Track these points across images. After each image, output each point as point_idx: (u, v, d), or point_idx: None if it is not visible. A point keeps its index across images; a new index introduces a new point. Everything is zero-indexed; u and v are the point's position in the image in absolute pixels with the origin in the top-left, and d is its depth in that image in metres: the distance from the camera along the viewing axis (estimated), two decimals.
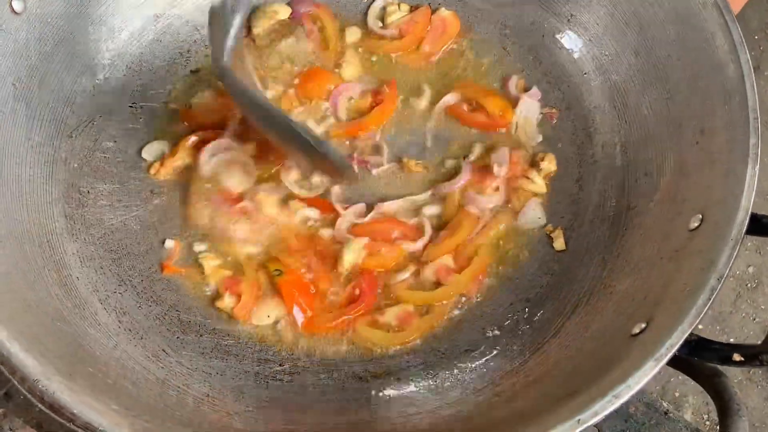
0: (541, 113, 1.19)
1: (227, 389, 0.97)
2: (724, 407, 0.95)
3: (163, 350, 0.99)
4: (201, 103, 1.17)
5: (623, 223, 1.08)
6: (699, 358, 0.88)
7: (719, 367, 0.98)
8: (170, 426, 0.83)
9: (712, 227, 0.92)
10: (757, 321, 2.38)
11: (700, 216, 0.94)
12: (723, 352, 0.88)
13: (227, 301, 1.04)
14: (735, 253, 0.87)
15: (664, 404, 1.07)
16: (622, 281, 1.01)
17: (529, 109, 1.18)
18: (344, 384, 1.00)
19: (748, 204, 0.89)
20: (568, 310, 1.03)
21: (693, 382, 0.96)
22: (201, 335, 1.02)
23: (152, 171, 1.12)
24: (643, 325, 0.88)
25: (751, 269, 2.44)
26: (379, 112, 1.18)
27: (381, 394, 0.99)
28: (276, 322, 1.04)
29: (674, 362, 0.85)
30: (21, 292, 0.90)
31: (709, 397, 0.93)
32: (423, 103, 1.20)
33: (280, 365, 1.01)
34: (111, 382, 0.88)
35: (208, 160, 1.10)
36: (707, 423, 2.24)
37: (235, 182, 1.09)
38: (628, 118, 1.14)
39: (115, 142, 1.14)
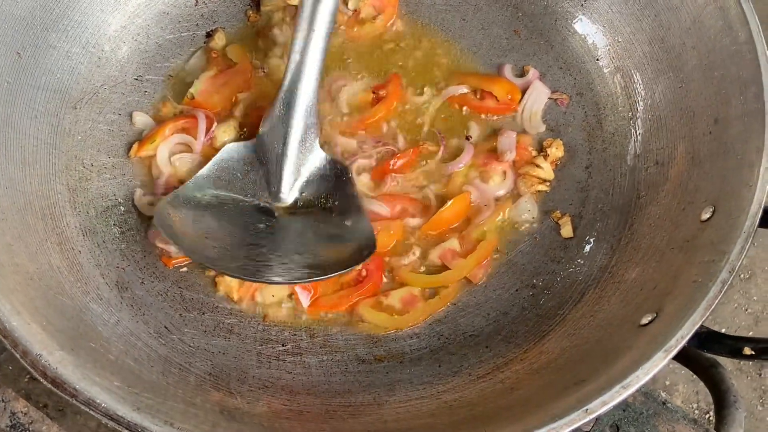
0: (551, 98, 1.18)
1: (229, 368, 0.96)
2: (721, 398, 0.95)
3: (165, 327, 0.98)
4: (204, 90, 1.14)
5: (632, 212, 1.07)
6: (709, 351, 0.88)
7: (716, 357, 0.98)
8: (172, 404, 0.82)
9: (725, 219, 0.91)
10: (749, 312, 2.38)
11: (712, 207, 0.94)
12: (733, 345, 0.88)
13: (229, 280, 1.03)
14: (747, 246, 0.87)
15: (662, 394, 1.06)
16: (630, 270, 1.00)
17: (537, 94, 1.17)
18: (347, 366, 0.99)
19: (762, 196, 0.89)
20: (575, 298, 1.03)
21: (685, 371, 0.96)
22: (203, 313, 1.02)
23: (131, 152, 1.10)
24: (652, 316, 0.88)
25: (744, 260, 2.44)
26: (383, 106, 1.15)
27: (384, 377, 0.99)
28: (280, 302, 1.03)
29: None
30: (23, 264, 0.89)
31: (699, 386, 0.92)
32: (425, 96, 1.18)
33: (283, 345, 1.00)
34: (113, 359, 0.87)
35: (167, 162, 1.09)
36: (696, 412, 2.25)
37: None
38: (641, 105, 1.14)
39: (119, 114, 1.12)
